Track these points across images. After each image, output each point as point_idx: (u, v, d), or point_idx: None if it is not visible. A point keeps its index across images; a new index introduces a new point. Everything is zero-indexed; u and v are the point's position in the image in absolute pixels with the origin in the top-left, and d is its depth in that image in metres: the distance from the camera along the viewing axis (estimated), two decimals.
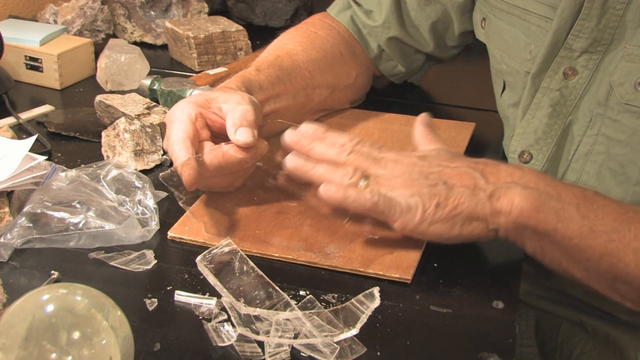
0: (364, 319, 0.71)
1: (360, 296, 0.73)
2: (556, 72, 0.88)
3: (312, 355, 0.67)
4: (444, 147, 0.83)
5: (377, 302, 0.73)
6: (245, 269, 0.77)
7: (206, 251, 0.78)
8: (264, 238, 0.83)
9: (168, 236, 0.83)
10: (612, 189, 0.85)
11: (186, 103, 0.84)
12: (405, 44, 1.12)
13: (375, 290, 0.74)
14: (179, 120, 0.82)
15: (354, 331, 0.69)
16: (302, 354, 0.68)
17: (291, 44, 1.07)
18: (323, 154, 0.80)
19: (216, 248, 0.79)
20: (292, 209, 0.87)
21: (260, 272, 0.76)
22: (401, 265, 0.79)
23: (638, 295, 0.73)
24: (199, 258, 0.77)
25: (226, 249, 0.79)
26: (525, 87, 0.91)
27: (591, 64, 0.85)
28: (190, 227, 0.84)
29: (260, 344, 0.68)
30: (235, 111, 0.82)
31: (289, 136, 0.82)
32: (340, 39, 1.11)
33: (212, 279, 0.75)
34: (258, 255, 0.81)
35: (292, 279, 0.77)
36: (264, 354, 0.67)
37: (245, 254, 0.79)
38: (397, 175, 0.76)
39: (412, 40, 1.12)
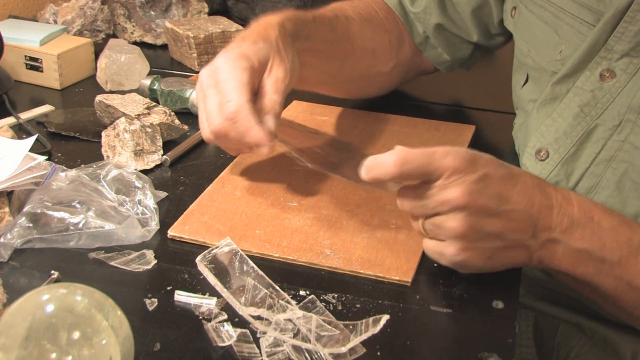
0: (356, 341, 0.69)
1: (369, 320, 0.71)
2: (593, 72, 0.84)
3: (310, 356, 0.67)
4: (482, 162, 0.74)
5: (376, 329, 0.70)
6: (245, 269, 0.77)
7: (206, 251, 0.78)
8: (264, 238, 0.83)
9: (168, 235, 0.83)
10: (630, 202, 0.83)
11: (241, 71, 0.82)
12: (449, 32, 1.10)
13: (384, 319, 0.72)
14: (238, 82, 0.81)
15: (343, 349, 0.68)
16: (300, 354, 0.68)
17: (352, 11, 1.05)
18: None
19: (216, 248, 0.79)
20: (293, 209, 0.87)
21: (261, 272, 0.76)
22: (401, 267, 0.79)
23: None
24: (199, 258, 0.77)
25: (226, 249, 0.79)
26: (550, 85, 0.90)
27: (631, 68, 0.82)
28: (190, 227, 0.84)
29: (259, 345, 0.68)
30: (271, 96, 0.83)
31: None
32: (394, 26, 1.10)
33: (212, 279, 0.75)
34: (258, 255, 0.81)
35: (292, 279, 0.77)
36: (262, 355, 0.67)
37: (246, 254, 0.79)
38: (454, 236, 0.74)
39: (455, 28, 1.10)
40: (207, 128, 0.84)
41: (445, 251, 0.74)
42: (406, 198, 0.74)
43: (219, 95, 0.82)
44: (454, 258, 0.74)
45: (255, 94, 0.84)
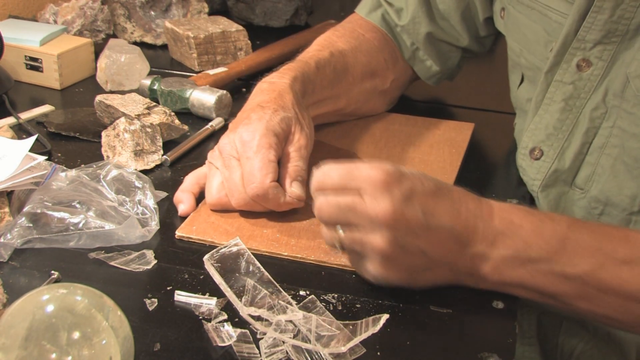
0: (356, 341, 0.69)
1: (369, 319, 0.71)
2: (569, 64, 0.85)
3: (310, 356, 0.67)
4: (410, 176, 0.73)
5: (376, 329, 0.70)
6: (251, 269, 0.76)
7: (214, 250, 0.78)
8: (272, 237, 0.83)
9: (176, 235, 0.83)
10: (626, 184, 0.84)
11: (270, 139, 0.84)
12: (439, 40, 1.10)
13: (383, 318, 0.72)
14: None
15: (343, 349, 0.68)
16: (299, 354, 0.68)
17: (342, 43, 1.05)
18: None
19: (224, 247, 0.79)
20: (299, 208, 0.87)
21: (266, 273, 0.76)
22: None
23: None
24: (206, 256, 0.77)
25: (234, 249, 0.79)
26: (539, 83, 0.90)
27: (606, 54, 0.83)
28: (197, 227, 0.84)
29: (259, 345, 0.68)
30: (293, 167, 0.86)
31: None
32: (385, 43, 1.09)
33: (217, 278, 0.75)
34: (267, 254, 0.81)
35: (293, 279, 0.77)
36: (261, 355, 0.67)
37: (254, 253, 0.79)
38: (376, 253, 0.72)
39: (445, 35, 1.09)
40: (215, 194, 0.86)
41: (368, 266, 0.73)
42: (329, 205, 0.73)
43: (244, 168, 0.83)
44: (375, 273, 0.73)
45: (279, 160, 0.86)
